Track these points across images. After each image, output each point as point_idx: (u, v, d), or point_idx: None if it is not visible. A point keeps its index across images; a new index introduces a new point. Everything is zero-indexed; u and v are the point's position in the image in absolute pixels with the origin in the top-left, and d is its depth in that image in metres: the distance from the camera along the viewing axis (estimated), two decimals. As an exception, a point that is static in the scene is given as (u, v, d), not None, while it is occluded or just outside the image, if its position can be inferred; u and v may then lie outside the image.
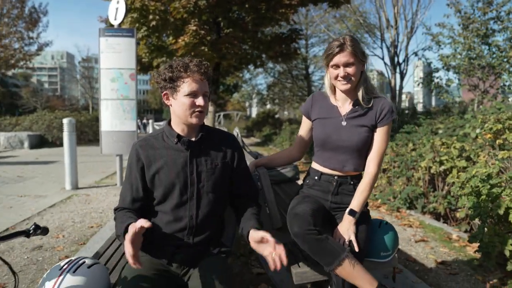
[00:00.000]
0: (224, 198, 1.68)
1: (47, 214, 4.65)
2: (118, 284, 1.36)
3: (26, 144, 14.14)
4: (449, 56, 8.94)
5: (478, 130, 4.65)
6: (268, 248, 1.39)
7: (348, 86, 1.76)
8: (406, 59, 14.77)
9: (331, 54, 1.73)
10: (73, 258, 1.39)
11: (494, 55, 8.70)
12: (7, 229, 3.97)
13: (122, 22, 6.32)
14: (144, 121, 31.50)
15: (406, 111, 11.93)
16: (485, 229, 2.80)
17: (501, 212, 2.66)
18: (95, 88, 49.92)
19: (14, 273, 1.21)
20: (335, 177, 1.85)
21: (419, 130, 6.95)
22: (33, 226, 1.30)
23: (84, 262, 1.36)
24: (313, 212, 1.68)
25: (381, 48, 16.02)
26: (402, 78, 14.80)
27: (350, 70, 1.72)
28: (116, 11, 6.23)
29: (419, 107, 20.04)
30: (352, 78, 1.74)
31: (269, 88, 30.90)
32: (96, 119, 18.31)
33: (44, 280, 1.29)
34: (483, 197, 2.87)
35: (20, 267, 2.97)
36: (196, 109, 1.51)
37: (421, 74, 11.16)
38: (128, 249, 1.23)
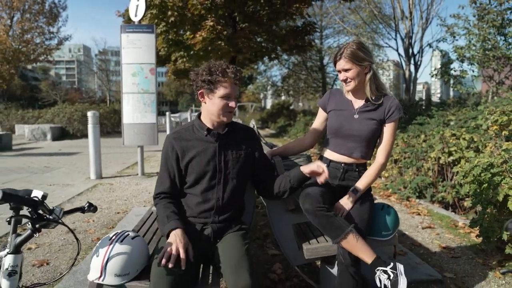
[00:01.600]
0: (245, 184, 1.94)
1: (76, 201, 5.00)
2: (155, 252, 1.63)
3: (48, 136, 14.70)
4: (463, 48, 8.93)
5: (489, 122, 4.77)
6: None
7: (350, 87, 2.01)
8: (421, 51, 14.70)
9: (334, 61, 2.01)
10: (119, 231, 1.67)
11: (510, 46, 8.65)
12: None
13: (142, 18, 6.59)
14: None
15: (420, 103, 11.94)
16: (485, 215, 2.98)
17: (500, 198, 2.84)
18: (112, 81, 50.66)
19: (77, 239, 1.48)
20: (342, 165, 2.09)
21: (431, 121, 7.06)
22: (87, 204, 1.57)
23: (128, 234, 1.64)
24: (322, 193, 1.93)
25: (395, 39, 15.97)
26: (416, 69, 14.74)
27: (348, 74, 1.98)
28: (137, 8, 6.51)
29: (435, 98, 19.83)
30: (352, 80, 1.98)
31: (284, 79, 30.97)
32: (114, 112, 18.81)
33: (98, 248, 1.57)
34: (485, 185, 3.05)
35: (59, 247, 3.30)
36: (228, 110, 1.76)
37: (439, 65, 11.08)
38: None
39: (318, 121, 2.25)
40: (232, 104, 1.76)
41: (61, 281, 2.54)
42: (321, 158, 2.20)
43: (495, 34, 8.73)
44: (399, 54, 15.33)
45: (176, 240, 1.56)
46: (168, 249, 1.51)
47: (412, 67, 14.80)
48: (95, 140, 6.45)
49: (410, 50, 14.63)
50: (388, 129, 2.04)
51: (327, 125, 2.18)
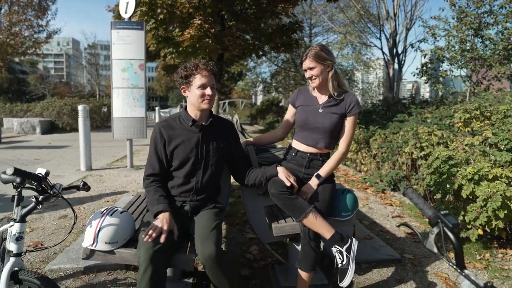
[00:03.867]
0: (222, 170, 2.22)
1: (67, 191, 5.20)
2: (141, 226, 1.89)
3: (38, 129, 14.74)
4: (442, 48, 9.30)
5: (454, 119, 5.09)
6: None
7: (315, 83, 2.28)
8: (404, 50, 15.10)
9: (301, 61, 2.28)
10: (109, 207, 1.92)
11: (487, 48, 9.04)
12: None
13: (132, 15, 6.78)
14: None
15: (404, 101, 12.31)
16: (443, 203, 3.30)
17: (455, 187, 3.16)
18: (101, 75, 50.23)
19: (74, 211, 1.74)
20: (308, 154, 2.36)
21: (410, 119, 7.41)
22: (82, 183, 1.82)
23: (117, 209, 1.89)
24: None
25: (380, 39, 16.40)
26: (400, 68, 15.15)
27: (313, 72, 2.25)
28: (127, 5, 6.69)
29: (424, 97, 20.29)
30: (316, 77, 2.25)
31: (273, 76, 31.21)
32: (104, 106, 18.85)
33: (91, 220, 1.82)
34: (444, 176, 3.37)
35: (52, 231, 3.54)
36: (205, 98, 2.01)
37: (428, 64, 11.40)
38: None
39: (288, 115, 2.53)
40: (208, 92, 2.01)
41: (56, 258, 2.78)
42: (290, 148, 2.47)
43: (473, 36, 9.11)
44: (383, 53, 15.73)
45: (163, 221, 1.81)
46: (153, 228, 1.76)
47: (396, 66, 15.21)
48: (85, 133, 6.64)
49: (394, 50, 15.04)
50: (348, 122, 2.32)
51: (295, 119, 2.45)
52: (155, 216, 1.87)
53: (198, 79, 1.99)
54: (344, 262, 2.04)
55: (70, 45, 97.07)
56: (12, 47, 21.66)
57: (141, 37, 6.68)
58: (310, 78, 2.29)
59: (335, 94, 2.31)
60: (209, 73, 2.01)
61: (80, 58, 67.20)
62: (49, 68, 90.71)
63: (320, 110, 2.33)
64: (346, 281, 2.01)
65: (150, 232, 1.74)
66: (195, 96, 2.01)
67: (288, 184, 2.09)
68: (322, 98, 2.36)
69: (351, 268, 2.02)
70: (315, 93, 2.39)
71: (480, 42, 9.16)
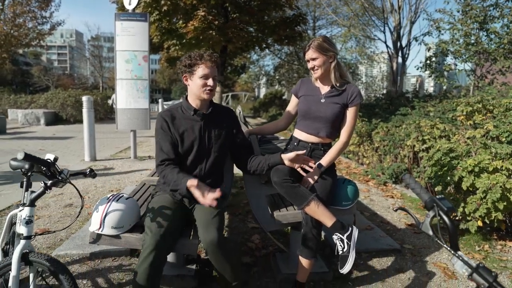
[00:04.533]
0: (225, 158, 2.26)
1: (72, 180, 5.27)
2: (146, 212, 1.94)
3: (42, 121, 14.83)
4: (447, 42, 9.25)
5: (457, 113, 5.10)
6: (299, 162, 2.15)
7: (317, 74, 2.30)
8: (408, 44, 15.02)
9: (304, 52, 2.29)
10: (115, 193, 1.97)
11: (492, 42, 8.99)
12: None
13: (136, 6, 6.80)
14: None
15: (407, 95, 12.29)
16: (444, 195, 3.34)
17: (455, 179, 3.19)
18: (105, 67, 50.19)
19: (81, 196, 1.79)
20: (310, 144, 2.40)
21: (413, 112, 7.42)
22: (89, 169, 1.87)
23: (123, 195, 1.94)
24: (291, 168, 2.23)
25: (384, 32, 16.31)
26: (404, 62, 15.08)
27: (316, 62, 2.27)
28: (131, -3, 6.70)
29: (428, 91, 20.23)
30: (318, 68, 2.27)
31: (276, 69, 31.08)
32: (107, 98, 18.89)
33: (97, 205, 1.87)
34: (445, 168, 3.40)
35: (58, 218, 3.60)
36: (207, 88, 2.04)
37: (433, 58, 11.32)
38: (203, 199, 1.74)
39: (291, 106, 2.56)
40: (210, 82, 2.04)
41: (62, 245, 2.85)
42: (291, 137, 2.51)
43: (478, 29, 9.05)
44: (387, 47, 15.69)
45: (201, 188, 1.78)
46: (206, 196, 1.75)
47: (400, 60, 15.15)
48: (90, 123, 6.70)
49: (398, 43, 14.95)
50: (350, 113, 2.35)
51: (298, 109, 2.48)
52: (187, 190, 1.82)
53: (201, 69, 2.02)
54: (344, 250, 2.08)
55: (74, 37, 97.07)
56: (16, 38, 21.67)
57: (145, 28, 6.70)
58: (313, 68, 2.32)
59: (337, 84, 2.34)
60: (212, 64, 2.04)
61: (84, 50, 67.20)
62: (53, 60, 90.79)
63: (322, 100, 2.36)
64: (346, 268, 2.06)
65: (209, 200, 1.72)
66: (197, 85, 2.04)
67: (308, 168, 2.18)
68: (324, 89, 2.39)
69: (352, 256, 2.07)
70: (318, 84, 2.42)
71: (485, 36, 9.10)
